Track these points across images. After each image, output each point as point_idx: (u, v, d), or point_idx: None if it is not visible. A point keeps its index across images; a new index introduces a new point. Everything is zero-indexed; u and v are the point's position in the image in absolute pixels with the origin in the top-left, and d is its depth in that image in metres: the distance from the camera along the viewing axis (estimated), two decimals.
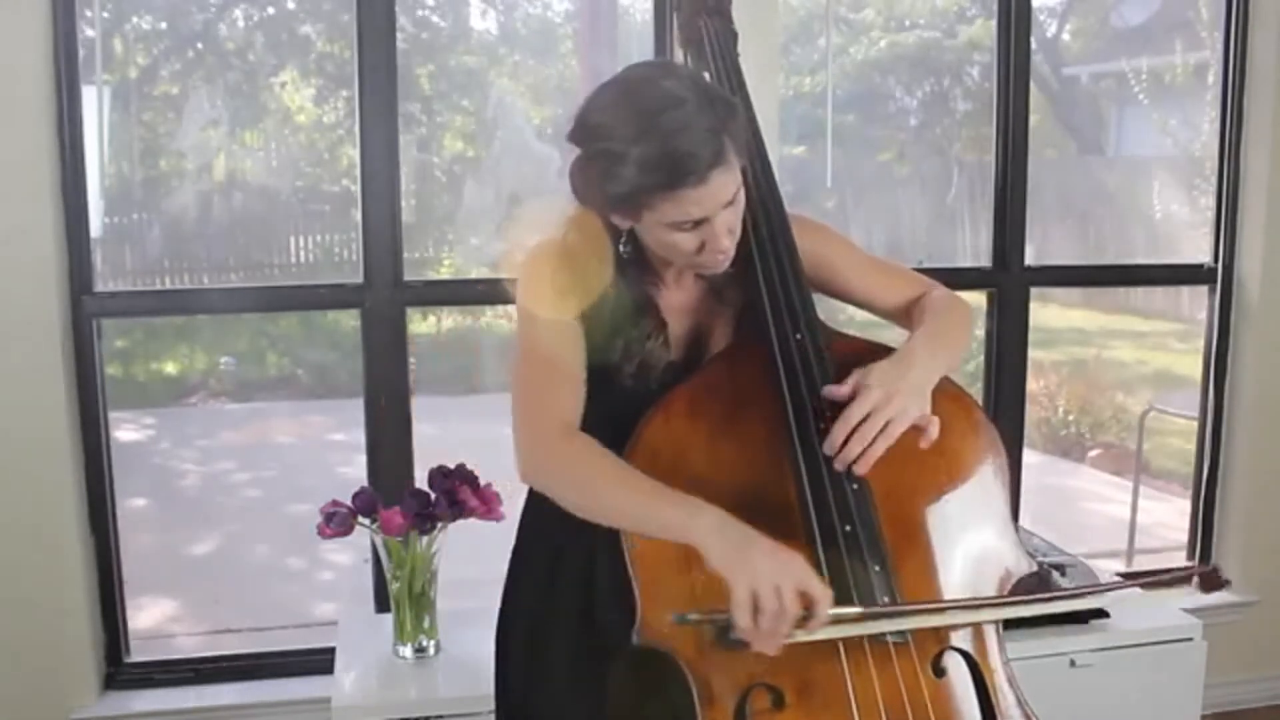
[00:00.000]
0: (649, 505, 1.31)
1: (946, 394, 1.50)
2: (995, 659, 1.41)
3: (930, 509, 1.45)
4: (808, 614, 1.24)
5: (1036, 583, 1.51)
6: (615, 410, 1.46)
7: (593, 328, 1.47)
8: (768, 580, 1.22)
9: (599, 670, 1.47)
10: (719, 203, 1.36)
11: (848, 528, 1.36)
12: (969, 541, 1.45)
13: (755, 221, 1.52)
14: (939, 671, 1.36)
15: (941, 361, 1.47)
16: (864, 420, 1.35)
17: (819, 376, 1.43)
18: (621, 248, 1.46)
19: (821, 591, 1.25)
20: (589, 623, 1.52)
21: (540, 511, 1.61)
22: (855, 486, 1.38)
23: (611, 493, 1.35)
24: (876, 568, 1.35)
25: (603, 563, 1.47)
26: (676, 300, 1.54)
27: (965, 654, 1.39)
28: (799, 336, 1.47)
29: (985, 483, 1.49)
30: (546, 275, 1.46)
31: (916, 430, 1.39)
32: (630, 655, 1.39)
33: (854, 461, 1.35)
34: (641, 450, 1.41)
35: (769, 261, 1.51)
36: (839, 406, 1.38)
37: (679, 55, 1.78)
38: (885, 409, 1.35)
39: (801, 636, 1.26)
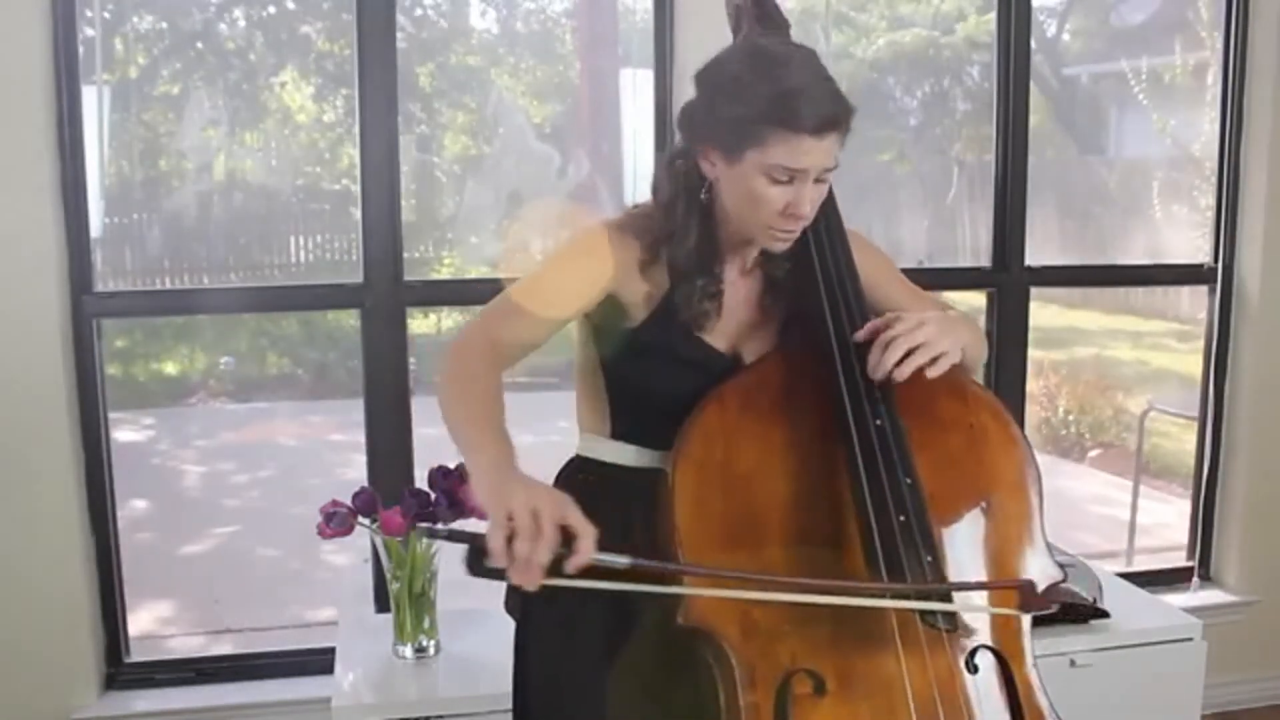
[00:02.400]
0: (463, 433, 1.35)
1: (987, 407, 1.56)
2: (1028, 660, 1.45)
3: (969, 515, 1.50)
4: (568, 550, 1.21)
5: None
6: (672, 355, 1.50)
7: (664, 272, 1.50)
8: (524, 504, 1.21)
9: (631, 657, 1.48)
10: (821, 165, 1.40)
11: (902, 518, 1.38)
12: (1004, 548, 1.50)
13: (815, 217, 1.54)
14: (973, 668, 1.41)
15: (962, 331, 1.49)
16: (898, 336, 1.41)
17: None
18: (703, 195, 1.49)
19: (584, 528, 1.23)
20: (623, 612, 1.52)
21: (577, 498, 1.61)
22: (909, 481, 1.41)
23: (456, 412, 1.38)
24: (929, 559, 1.37)
25: (643, 544, 1.48)
26: (739, 293, 1.55)
27: (996, 652, 1.44)
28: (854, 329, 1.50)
29: (1021, 493, 1.54)
30: (602, 239, 1.50)
31: (959, 436, 1.48)
32: (659, 641, 1.40)
33: (891, 369, 1.40)
34: (696, 437, 1.43)
35: (826, 257, 1.54)
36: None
37: None
38: (915, 332, 1.41)
39: (561, 581, 1.22)
